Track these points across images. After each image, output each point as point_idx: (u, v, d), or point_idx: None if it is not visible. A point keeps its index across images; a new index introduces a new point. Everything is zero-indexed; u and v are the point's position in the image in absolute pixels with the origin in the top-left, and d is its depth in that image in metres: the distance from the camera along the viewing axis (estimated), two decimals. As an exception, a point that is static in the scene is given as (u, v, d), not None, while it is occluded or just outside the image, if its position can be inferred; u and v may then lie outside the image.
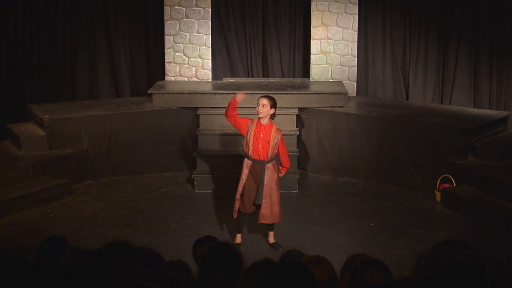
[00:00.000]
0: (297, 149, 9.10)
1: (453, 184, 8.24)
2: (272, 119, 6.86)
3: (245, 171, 6.88)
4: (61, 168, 8.71)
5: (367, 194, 8.65)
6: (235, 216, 6.99)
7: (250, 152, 6.83)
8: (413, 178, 8.74)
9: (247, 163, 6.89)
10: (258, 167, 6.83)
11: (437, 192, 8.29)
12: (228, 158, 8.91)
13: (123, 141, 9.25)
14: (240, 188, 6.90)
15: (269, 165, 6.84)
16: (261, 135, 6.78)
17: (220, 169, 8.82)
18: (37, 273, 2.88)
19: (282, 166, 7.07)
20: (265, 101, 6.80)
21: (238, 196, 6.92)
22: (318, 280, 3.38)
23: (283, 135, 8.93)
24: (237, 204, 6.91)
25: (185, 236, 7.19)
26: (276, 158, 7.01)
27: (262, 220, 6.91)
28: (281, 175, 7.09)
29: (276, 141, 6.81)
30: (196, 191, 8.71)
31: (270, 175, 6.83)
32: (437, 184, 8.33)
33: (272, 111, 6.81)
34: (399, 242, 7.18)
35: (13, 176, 8.26)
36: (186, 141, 9.43)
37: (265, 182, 6.81)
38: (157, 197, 8.57)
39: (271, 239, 7.05)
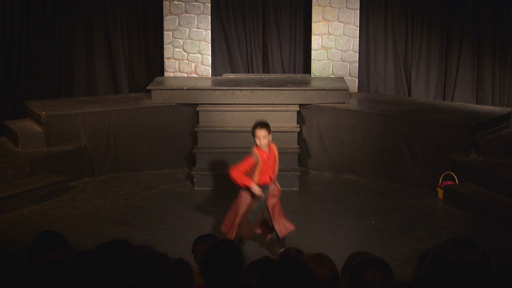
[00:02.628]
0: (298, 146, 9.03)
1: (455, 181, 8.18)
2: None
3: (247, 196, 6.48)
4: (58, 165, 8.65)
5: (368, 191, 8.59)
6: (230, 236, 6.46)
7: (258, 180, 6.45)
8: (415, 175, 8.67)
9: (248, 194, 6.48)
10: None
11: (440, 190, 8.22)
12: (228, 155, 8.83)
13: (122, 138, 9.18)
14: (241, 213, 6.46)
15: (272, 184, 6.56)
16: (269, 161, 6.46)
17: (220, 166, 8.74)
18: (35, 272, 2.84)
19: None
20: (264, 132, 6.40)
21: (238, 220, 6.47)
22: (320, 278, 3.35)
23: (284, 132, 8.99)
24: (234, 230, 6.47)
25: (184, 234, 7.15)
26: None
27: (281, 235, 6.53)
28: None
29: (277, 156, 6.57)
30: (196, 188, 8.65)
31: (271, 193, 6.54)
32: (440, 181, 8.26)
33: (270, 136, 6.49)
34: (400, 240, 7.13)
35: (10, 173, 8.20)
36: (185, 138, 9.36)
37: (268, 201, 6.48)
38: (156, 195, 8.51)
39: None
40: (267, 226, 6.64)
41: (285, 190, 8.17)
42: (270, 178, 6.51)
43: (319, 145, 9.31)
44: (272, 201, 6.54)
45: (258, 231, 6.69)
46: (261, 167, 6.45)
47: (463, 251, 2.77)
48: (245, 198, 6.50)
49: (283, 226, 6.54)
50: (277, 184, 6.65)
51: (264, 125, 6.50)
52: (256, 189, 6.35)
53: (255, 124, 6.55)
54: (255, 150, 6.48)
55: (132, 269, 3.12)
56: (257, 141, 6.43)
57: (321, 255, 3.62)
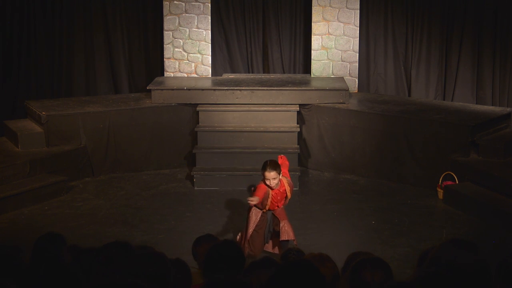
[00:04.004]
0: (298, 146, 9.02)
1: (455, 182, 8.17)
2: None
3: (255, 219, 6.40)
4: (58, 165, 8.65)
5: (368, 191, 8.58)
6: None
7: (266, 208, 6.38)
8: (415, 175, 8.67)
9: (255, 212, 6.41)
10: (267, 214, 6.45)
11: (440, 190, 8.22)
12: (228, 155, 8.84)
13: (122, 138, 9.18)
14: (250, 231, 6.39)
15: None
16: (279, 197, 6.37)
17: (220, 166, 8.75)
18: (37, 271, 2.84)
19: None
20: (274, 174, 6.20)
21: (248, 238, 6.40)
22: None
23: (284, 132, 8.97)
24: (247, 248, 6.39)
25: (184, 234, 7.15)
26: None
27: (288, 237, 6.42)
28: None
29: (290, 188, 6.44)
30: (196, 188, 8.64)
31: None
32: (440, 181, 8.26)
33: (281, 175, 6.30)
34: (400, 240, 7.12)
35: (10, 173, 8.20)
36: (185, 138, 9.36)
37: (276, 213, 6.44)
38: (156, 195, 8.50)
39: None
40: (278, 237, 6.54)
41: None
42: (278, 207, 6.43)
43: (319, 145, 9.31)
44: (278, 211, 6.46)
45: (274, 250, 6.57)
46: (270, 203, 6.34)
47: (462, 252, 2.78)
48: (255, 217, 6.42)
49: (287, 231, 6.44)
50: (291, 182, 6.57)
51: (273, 166, 6.24)
52: (253, 201, 6.18)
53: (264, 165, 6.30)
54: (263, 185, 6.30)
55: (130, 268, 3.11)
56: (267, 182, 6.23)
57: (322, 255, 3.62)
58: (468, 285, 2.75)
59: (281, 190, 6.38)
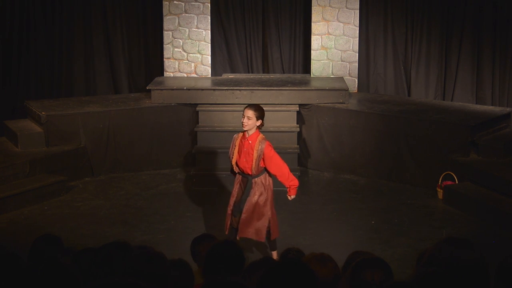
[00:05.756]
0: (298, 146, 9.03)
1: (455, 181, 8.18)
2: (260, 129, 6.29)
3: (235, 186, 6.41)
4: (58, 165, 8.65)
5: (368, 191, 8.59)
6: (226, 233, 6.42)
7: (235, 167, 6.32)
8: (414, 175, 8.67)
9: (237, 177, 6.40)
10: (245, 181, 6.32)
11: (439, 190, 8.22)
12: (228, 155, 8.82)
13: (121, 138, 9.18)
14: (231, 202, 6.42)
15: (257, 180, 6.25)
16: (245, 148, 6.24)
17: (219, 166, 8.75)
18: (35, 271, 2.84)
19: (288, 188, 6.31)
20: (250, 112, 6.15)
21: (229, 211, 6.42)
22: (322, 278, 3.34)
23: (284, 131, 8.97)
24: (229, 219, 6.42)
25: (184, 234, 7.14)
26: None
27: (240, 234, 6.25)
28: (290, 197, 6.34)
29: (259, 152, 6.14)
30: (196, 188, 8.63)
31: (258, 192, 6.26)
32: (439, 181, 8.26)
33: (258, 122, 6.18)
34: (400, 240, 7.12)
35: (10, 173, 8.20)
36: (185, 138, 9.36)
37: (250, 197, 6.25)
38: (155, 195, 8.51)
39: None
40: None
41: (285, 190, 8.17)
42: (249, 172, 6.26)
43: (318, 145, 9.31)
44: (255, 200, 6.27)
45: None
46: (236, 154, 6.27)
47: (458, 250, 2.78)
48: (234, 189, 6.42)
49: (244, 228, 6.31)
50: (265, 188, 6.34)
51: (253, 107, 6.25)
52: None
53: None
54: (240, 134, 6.33)
55: (129, 268, 3.12)
56: (242, 120, 6.21)
57: (324, 255, 3.61)
58: (466, 283, 2.75)
59: (249, 142, 6.20)
